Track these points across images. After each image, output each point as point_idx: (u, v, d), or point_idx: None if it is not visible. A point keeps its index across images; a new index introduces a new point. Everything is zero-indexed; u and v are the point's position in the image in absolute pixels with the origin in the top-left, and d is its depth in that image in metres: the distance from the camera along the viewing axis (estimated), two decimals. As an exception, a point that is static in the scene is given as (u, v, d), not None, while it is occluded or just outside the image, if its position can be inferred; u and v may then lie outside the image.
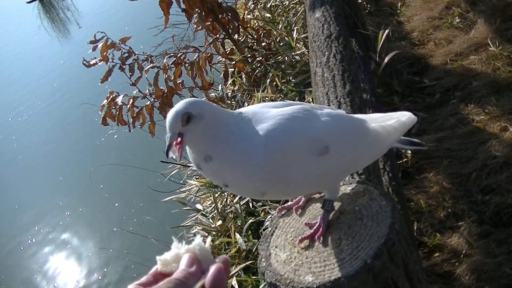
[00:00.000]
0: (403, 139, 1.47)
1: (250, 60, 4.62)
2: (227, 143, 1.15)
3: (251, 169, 1.14)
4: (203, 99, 4.65)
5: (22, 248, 5.99)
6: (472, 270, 2.57)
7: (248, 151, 1.14)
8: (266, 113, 1.21)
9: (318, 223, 1.26)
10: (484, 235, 2.72)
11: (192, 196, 3.81)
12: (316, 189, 1.30)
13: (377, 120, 1.37)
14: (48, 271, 5.53)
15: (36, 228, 6.15)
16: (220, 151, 1.14)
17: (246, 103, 4.09)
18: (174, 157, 1.14)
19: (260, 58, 4.56)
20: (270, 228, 1.35)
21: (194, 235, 3.50)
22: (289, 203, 1.40)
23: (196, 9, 4.15)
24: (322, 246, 1.21)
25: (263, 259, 1.26)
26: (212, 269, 0.78)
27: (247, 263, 2.86)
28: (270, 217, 1.40)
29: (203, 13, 4.22)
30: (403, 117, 1.41)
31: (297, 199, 1.40)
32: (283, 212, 1.39)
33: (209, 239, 0.91)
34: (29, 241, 6.02)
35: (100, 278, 5.03)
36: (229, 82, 4.74)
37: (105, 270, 5.07)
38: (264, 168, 1.14)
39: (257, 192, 1.19)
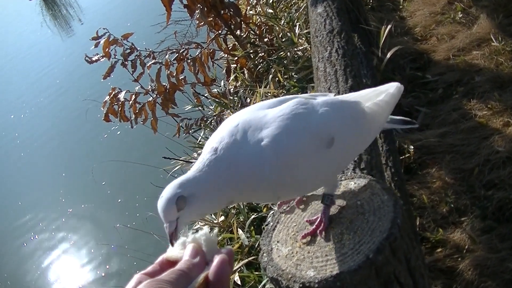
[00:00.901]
0: (395, 119, 1.45)
1: (252, 56, 4.62)
2: (241, 183, 1.12)
3: (266, 182, 1.12)
4: (206, 94, 4.66)
5: (25, 244, 6.01)
6: (475, 266, 2.57)
7: (257, 167, 1.11)
8: (263, 117, 1.16)
9: (319, 218, 1.25)
10: (487, 230, 2.72)
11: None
12: (323, 184, 1.27)
13: (369, 98, 1.35)
14: (51, 268, 5.55)
15: (40, 225, 6.16)
16: (238, 194, 1.14)
17: (248, 98, 4.08)
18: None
19: (263, 53, 4.56)
20: (271, 223, 1.35)
21: (197, 230, 3.50)
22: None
23: (198, 5, 4.14)
24: (324, 241, 1.21)
25: (264, 254, 1.26)
26: (216, 260, 0.78)
27: (250, 258, 2.87)
28: (272, 213, 1.39)
29: (205, 9, 4.21)
30: (392, 89, 1.40)
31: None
32: (284, 207, 1.39)
33: (215, 230, 0.90)
34: (32, 238, 6.03)
35: (103, 274, 5.04)
36: (231, 78, 4.73)
37: (108, 267, 5.08)
38: (278, 175, 1.12)
39: (273, 198, 1.20)
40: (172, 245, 0.96)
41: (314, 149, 1.16)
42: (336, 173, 1.30)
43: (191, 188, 1.07)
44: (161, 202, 1.06)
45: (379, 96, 1.35)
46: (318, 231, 1.23)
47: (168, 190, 1.06)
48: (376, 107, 1.32)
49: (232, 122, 1.18)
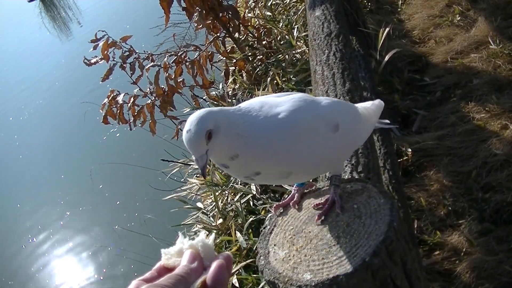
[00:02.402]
0: (382, 121, 1.60)
1: (250, 59, 4.63)
2: (251, 137, 1.15)
3: (281, 151, 1.16)
4: (204, 96, 4.67)
5: (23, 247, 6.01)
6: (472, 268, 2.57)
7: (273, 135, 1.16)
8: (275, 100, 1.23)
9: (330, 198, 1.30)
10: (484, 233, 2.73)
11: (193, 194, 3.81)
12: (331, 167, 1.34)
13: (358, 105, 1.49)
14: (49, 270, 5.55)
15: (39, 227, 6.16)
16: (245, 146, 1.15)
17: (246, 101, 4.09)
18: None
19: (261, 56, 4.56)
20: (269, 227, 1.35)
21: (195, 233, 3.51)
22: (284, 200, 1.41)
23: (197, 8, 4.15)
24: (321, 244, 1.21)
25: (261, 257, 1.27)
26: (214, 265, 0.79)
27: (248, 261, 2.87)
28: (270, 216, 1.40)
29: (204, 12, 4.22)
30: (376, 102, 1.55)
31: (291, 195, 1.40)
32: (280, 210, 1.39)
33: (212, 235, 0.91)
34: (30, 240, 6.03)
35: (101, 278, 5.04)
36: (229, 80, 4.74)
37: (104, 270, 5.08)
38: (292, 147, 1.17)
39: (284, 173, 1.21)
40: (205, 177, 1.03)
41: (323, 130, 1.24)
42: (341, 158, 1.39)
43: (215, 120, 1.11)
44: (190, 137, 1.08)
45: (367, 105, 1.50)
46: (337, 209, 1.28)
47: (195, 126, 1.09)
48: (366, 111, 1.45)
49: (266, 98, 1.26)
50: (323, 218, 1.28)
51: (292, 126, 1.18)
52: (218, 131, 1.11)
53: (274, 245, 1.29)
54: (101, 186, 6.07)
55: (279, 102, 1.22)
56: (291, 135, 1.17)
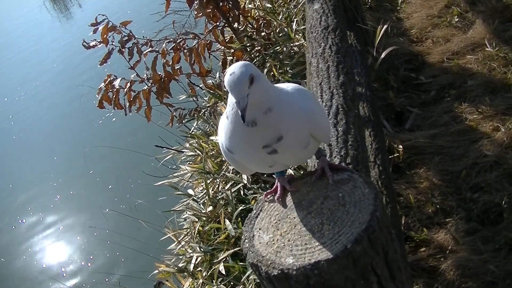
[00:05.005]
0: None
1: (248, 49, 4.63)
2: (284, 95, 1.28)
3: (307, 115, 1.29)
4: (201, 84, 4.68)
5: (13, 227, 6.02)
6: (457, 266, 2.60)
7: (301, 101, 1.31)
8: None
9: (323, 167, 1.40)
10: (471, 232, 2.76)
11: (184, 181, 3.83)
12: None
13: None
14: (37, 251, 5.57)
15: (29, 209, 6.17)
16: (279, 100, 1.25)
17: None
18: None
19: (259, 47, 4.57)
20: (255, 211, 1.38)
21: (185, 220, 3.53)
22: (273, 188, 1.43)
23: (198, -4, 4.15)
24: (305, 229, 1.24)
25: (246, 240, 1.29)
26: None
27: (235, 249, 2.89)
28: (256, 201, 1.43)
29: (204, 0, 4.22)
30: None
31: (274, 187, 1.44)
32: (269, 197, 1.41)
33: None
34: (20, 221, 6.04)
35: (91, 258, 5.07)
36: (227, 69, 4.74)
37: (91, 257, 5.11)
38: (315, 114, 1.33)
39: (306, 139, 1.30)
40: (244, 121, 1.14)
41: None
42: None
43: (256, 70, 1.21)
44: (234, 78, 1.17)
45: None
46: (328, 175, 1.37)
47: (239, 69, 1.18)
48: None
49: None
50: (332, 176, 1.37)
51: (310, 96, 1.42)
52: (259, 79, 1.20)
53: (259, 229, 1.31)
54: (91, 172, 6.09)
55: (282, 85, 1.37)
56: (313, 104, 1.36)
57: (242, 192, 3.21)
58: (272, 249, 1.22)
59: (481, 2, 4.37)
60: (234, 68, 1.17)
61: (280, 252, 1.21)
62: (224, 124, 1.29)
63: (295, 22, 4.55)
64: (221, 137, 1.32)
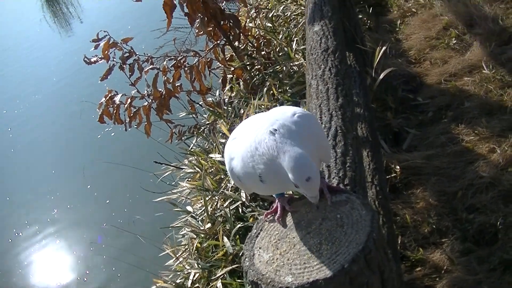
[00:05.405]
0: None
1: (248, 68, 4.67)
2: (305, 138, 1.37)
3: (317, 141, 1.43)
4: (201, 102, 4.72)
5: (10, 240, 6.01)
6: (452, 286, 2.63)
7: (309, 128, 1.43)
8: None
9: (321, 189, 1.43)
10: (466, 253, 2.78)
11: (183, 198, 3.85)
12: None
13: None
14: (33, 265, 5.56)
15: (26, 222, 6.16)
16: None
17: (242, 109, 4.13)
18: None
19: (259, 66, 4.61)
20: (255, 230, 1.41)
21: (183, 236, 3.55)
22: (272, 209, 1.47)
23: (199, 14, 4.19)
24: (304, 249, 1.27)
25: (246, 259, 1.32)
26: None
27: (233, 266, 2.91)
28: (257, 221, 1.46)
29: (206, 19, 4.26)
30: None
31: (274, 207, 1.47)
32: (269, 217, 1.45)
33: None
34: (17, 234, 6.04)
35: (86, 272, 5.06)
36: (226, 88, 4.77)
37: (87, 272, 5.10)
38: (322, 139, 1.51)
39: (319, 163, 1.51)
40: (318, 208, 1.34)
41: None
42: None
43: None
44: (314, 186, 1.28)
45: None
46: (327, 197, 1.42)
47: (315, 172, 1.27)
48: None
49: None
50: (330, 197, 1.42)
51: (314, 121, 1.54)
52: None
53: (259, 248, 1.34)
54: (89, 186, 6.08)
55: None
56: (317, 127, 1.53)
57: (240, 210, 3.23)
58: (271, 267, 1.26)
59: (478, 24, 4.42)
60: (309, 172, 1.25)
61: (280, 270, 1.24)
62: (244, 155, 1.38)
63: (295, 41, 4.59)
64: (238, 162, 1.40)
